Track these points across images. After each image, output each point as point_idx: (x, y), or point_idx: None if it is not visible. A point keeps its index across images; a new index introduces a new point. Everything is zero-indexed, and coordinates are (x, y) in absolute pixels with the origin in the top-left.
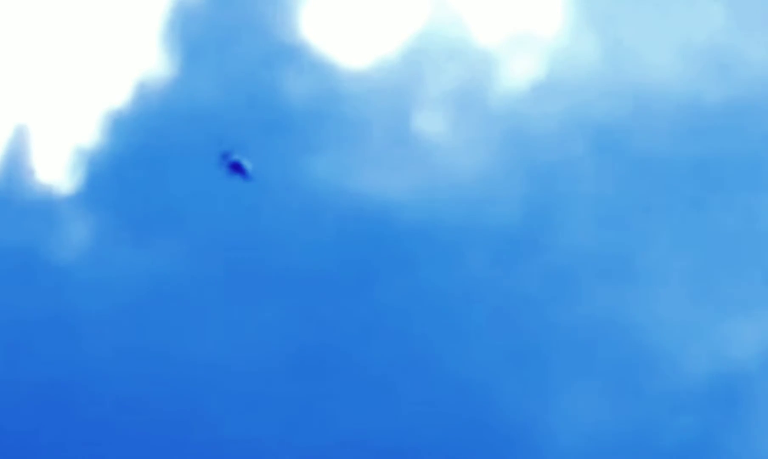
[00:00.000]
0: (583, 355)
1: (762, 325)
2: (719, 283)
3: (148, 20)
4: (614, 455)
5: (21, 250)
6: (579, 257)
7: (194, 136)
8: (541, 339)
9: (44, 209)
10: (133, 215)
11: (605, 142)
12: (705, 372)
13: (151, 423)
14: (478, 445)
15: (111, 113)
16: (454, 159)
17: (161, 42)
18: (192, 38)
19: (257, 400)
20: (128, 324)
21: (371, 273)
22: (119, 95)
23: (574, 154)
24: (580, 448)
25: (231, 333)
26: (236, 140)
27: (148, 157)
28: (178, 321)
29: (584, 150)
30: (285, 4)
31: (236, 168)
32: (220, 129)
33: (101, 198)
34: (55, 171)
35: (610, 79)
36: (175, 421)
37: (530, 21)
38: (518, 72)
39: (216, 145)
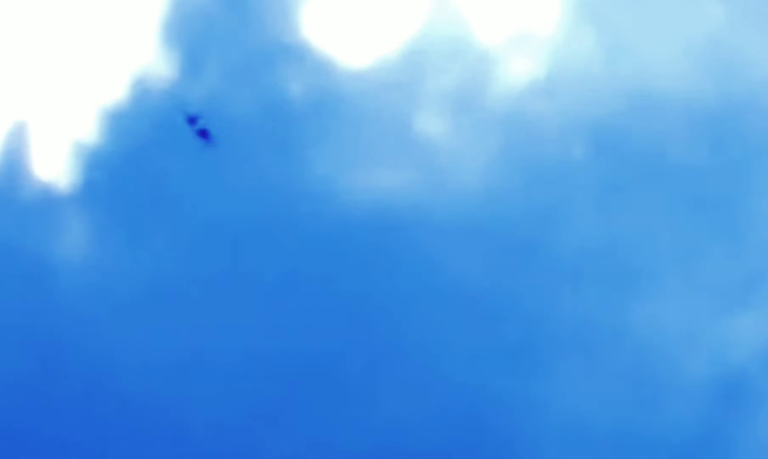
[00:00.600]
0: (583, 355)
1: (762, 324)
2: (719, 282)
3: (148, 18)
4: (614, 454)
5: (18, 248)
6: (579, 257)
7: (193, 136)
8: (540, 339)
9: (42, 208)
10: (132, 214)
11: (605, 142)
12: (705, 371)
13: (150, 421)
14: (474, 446)
15: (110, 112)
16: (453, 158)
17: (161, 39)
18: (191, 36)
19: (255, 400)
20: (125, 323)
21: (370, 272)
22: (118, 93)
23: (574, 154)
24: (580, 447)
25: (229, 332)
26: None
27: (147, 156)
28: (175, 320)
29: (584, 149)
30: (285, 4)
31: (201, 133)
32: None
33: (100, 196)
34: (54, 169)
35: (610, 78)
36: (174, 419)
37: (530, 21)
38: (518, 72)
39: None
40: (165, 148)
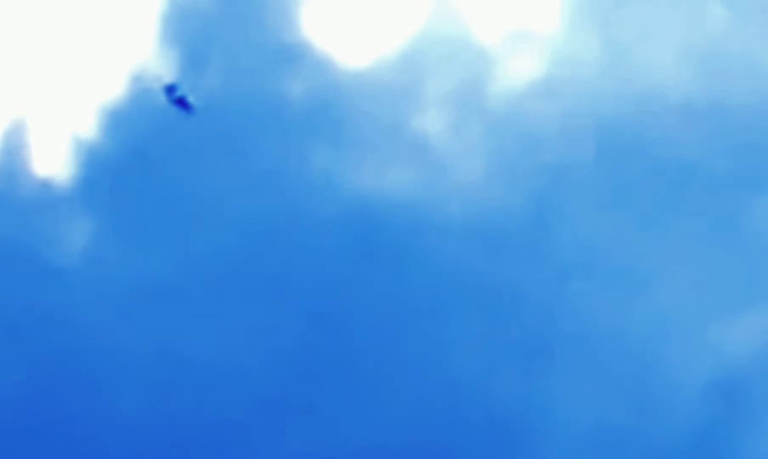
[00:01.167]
0: (582, 354)
1: (762, 324)
2: (719, 282)
3: (147, 16)
4: (614, 453)
5: (17, 243)
6: (579, 256)
7: (193, 134)
8: (540, 338)
9: (42, 206)
10: (130, 210)
11: (605, 141)
12: (705, 371)
13: (149, 419)
14: (475, 444)
15: (109, 109)
16: (453, 158)
17: (160, 37)
18: (192, 36)
19: (256, 398)
20: (124, 320)
21: (370, 270)
22: (118, 91)
23: (573, 153)
24: (580, 446)
25: (228, 329)
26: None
27: (147, 153)
28: (174, 317)
29: (584, 149)
30: (286, 4)
31: (180, 102)
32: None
33: (99, 192)
34: (53, 166)
35: (609, 78)
36: (172, 418)
37: (530, 21)
38: (518, 71)
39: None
40: (164, 145)
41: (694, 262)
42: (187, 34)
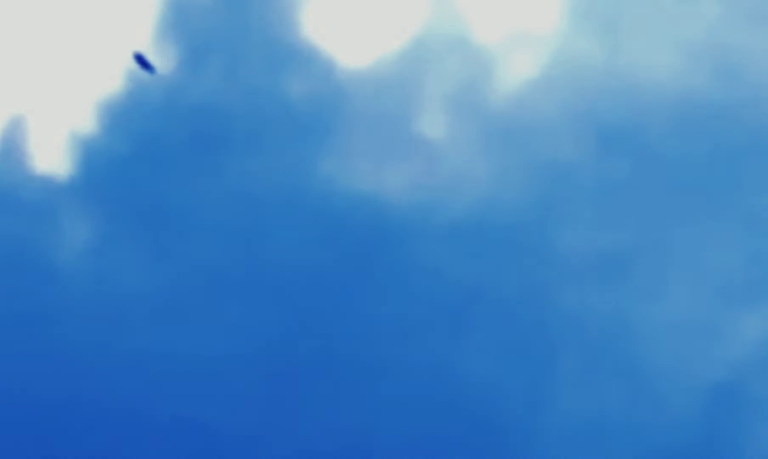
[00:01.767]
0: (582, 353)
1: (762, 324)
2: (719, 282)
3: (147, 13)
4: (614, 452)
5: (16, 239)
6: (579, 255)
7: (193, 133)
8: (540, 337)
9: (40, 199)
10: (129, 207)
11: (605, 140)
12: (705, 370)
13: (148, 418)
14: (475, 442)
15: (108, 106)
16: (453, 157)
17: (160, 35)
18: (193, 35)
19: (253, 397)
20: (124, 319)
21: (370, 270)
22: (119, 92)
23: (573, 152)
24: (580, 444)
25: (227, 327)
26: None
27: (146, 150)
28: (173, 315)
29: (584, 148)
30: (286, 4)
31: (144, 65)
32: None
33: (97, 189)
34: (54, 166)
35: (609, 77)
36: (171, 417)
37: (530, 20)
38: (518, 71)
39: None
40: (163, 143)
41: (694, 262)
42: (188, 33)
